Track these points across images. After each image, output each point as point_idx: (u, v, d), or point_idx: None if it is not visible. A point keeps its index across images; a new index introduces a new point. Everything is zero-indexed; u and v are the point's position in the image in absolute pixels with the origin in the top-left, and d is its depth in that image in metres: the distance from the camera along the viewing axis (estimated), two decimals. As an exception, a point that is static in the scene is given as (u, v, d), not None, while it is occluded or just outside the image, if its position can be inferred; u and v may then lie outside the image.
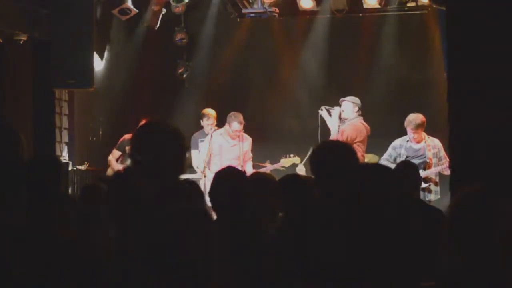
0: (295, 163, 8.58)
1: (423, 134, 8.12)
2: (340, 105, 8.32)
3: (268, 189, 4.10)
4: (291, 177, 3.96)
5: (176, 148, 2.54)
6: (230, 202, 3.21)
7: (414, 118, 8.06)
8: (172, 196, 2.49)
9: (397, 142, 8.27)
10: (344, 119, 8.28)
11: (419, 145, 8.12)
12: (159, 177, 2.48)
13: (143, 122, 2.69)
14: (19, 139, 3.36)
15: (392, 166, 7.40)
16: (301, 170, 8.42)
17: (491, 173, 4.22)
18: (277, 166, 8.64)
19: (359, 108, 8.34)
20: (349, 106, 8.30)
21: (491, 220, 2.08)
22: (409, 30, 10.19)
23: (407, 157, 7.96)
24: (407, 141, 8.18)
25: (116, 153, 8.77)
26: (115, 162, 8.71)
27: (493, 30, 4.34)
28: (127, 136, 8.56)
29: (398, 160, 7.91)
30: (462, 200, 2.18)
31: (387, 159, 8.22)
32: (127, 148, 8.55)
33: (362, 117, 8.35)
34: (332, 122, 8.23)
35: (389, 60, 10.27)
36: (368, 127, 8.27)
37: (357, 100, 8.37)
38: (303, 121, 10.27)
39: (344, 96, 8.54)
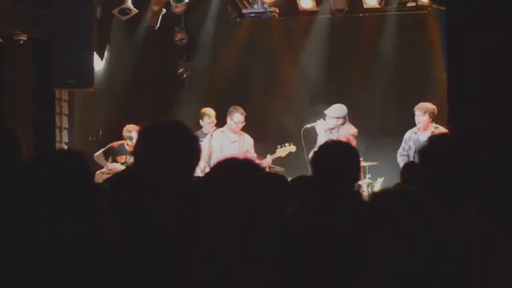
0: (291, 152, 8.61)
1: (432, 124, 8.14)
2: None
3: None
4: (301, 178, 3.99)
5: (195, 148, 2.52)
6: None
7: (425, 104, 8.14)
8: (188, 196, 2.48)
9: (407, 134, 8.35)
10: (331, 129, 8.34)
11: (424, 136, 8.08)
12: (177, 176, 2.46)
13: (155, 121, 2.60)
14: (18, 140, 3.36)
15: (406, 158, 7.85)
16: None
17: (491, 173, 4.22)
18: (274, 156, 8.65)
19: (343, 117, 8.36)
20: (332, 121, 8.36)
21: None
22: (409, 30, 10.19)
23: (414, 149, 8.05)
24: (415, 132, 8.23)
25: (102, 156, 8.82)
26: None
27: (493, 30, 4.34)
28: (115, 144, 8.77)
29: (410, 153, 8.05)
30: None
31: (401, 152, 8.30)
32: (118, 158, 8.75)
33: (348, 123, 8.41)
34: (320, 138, 8.28)
35: (389, 60, 10.26)
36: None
37: (338, 112, 8.33)
38: (303, 121, 10.26)
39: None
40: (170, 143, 2.47)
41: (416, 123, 8.23)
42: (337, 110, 8.38)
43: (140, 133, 2.54)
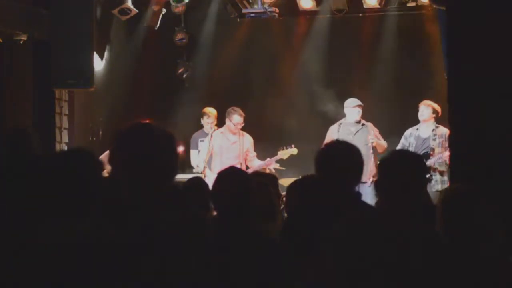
0: (293, 154, 8.63)
1: (433, 122, 8.34)
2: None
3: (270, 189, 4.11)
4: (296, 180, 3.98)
5: (170, 150, 2.49)
6: (233, 203, 3.19)
7: (431, 101, 8.39)
8: (166, 200, 2.45)
9: (408, 131, 8.54)
10: (358, 122, 8.60)
11: (425, 133, 8.31)
12: (153, 180, 2.42)
13: (132, 123, 2.60)
14: (30, 138, 3.36)
15: None
16: None
17: (490, 173, 4.22)
18: (275, 159, 8.65)
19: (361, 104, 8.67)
20: (355, 111, 8.65)
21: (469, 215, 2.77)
22: (409, 30, 10.19)
23: (415, 146, 8.26)
24: (417, 129, 8.42)
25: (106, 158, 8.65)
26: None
27: (493, 30, 4.34)
28: None
29: (410, 149, 8.16)
30: (446, 198, 2.87)
31: None
32: None
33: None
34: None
35: (389, 60, 10.26)
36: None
37: (355, 101, 8.65)
38: (303, 121, 10.26)
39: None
40: (142, 147, 2.44)
41: (419, 116, 8.43)
42: (354, 100, 8.69)
43: (114, 142, 2.52)
